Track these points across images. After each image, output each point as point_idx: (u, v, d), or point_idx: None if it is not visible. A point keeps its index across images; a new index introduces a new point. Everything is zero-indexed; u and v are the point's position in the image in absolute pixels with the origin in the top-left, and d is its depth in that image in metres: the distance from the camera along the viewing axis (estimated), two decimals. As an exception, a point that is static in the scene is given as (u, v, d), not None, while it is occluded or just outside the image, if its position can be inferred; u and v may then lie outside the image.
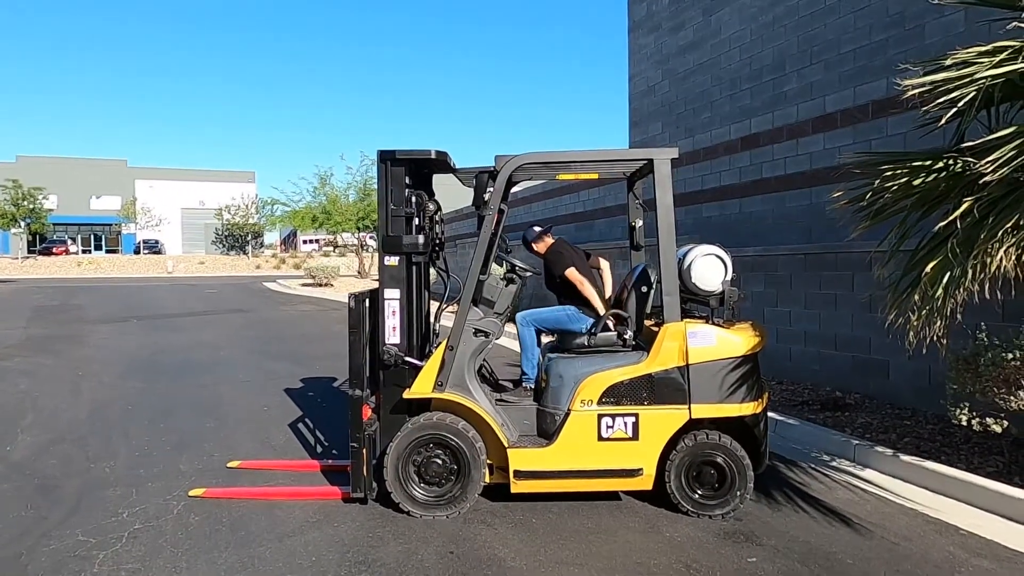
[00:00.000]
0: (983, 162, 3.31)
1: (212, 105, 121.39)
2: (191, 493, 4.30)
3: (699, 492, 3.95)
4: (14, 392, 7.40)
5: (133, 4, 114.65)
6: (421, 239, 4.15)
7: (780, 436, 5.46)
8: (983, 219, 3.45)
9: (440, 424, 3.97)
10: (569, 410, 3.97)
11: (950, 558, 3.45)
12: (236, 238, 57.10)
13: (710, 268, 4.12)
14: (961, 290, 3.60)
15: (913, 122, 4.37)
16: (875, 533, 3.74)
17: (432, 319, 4.76)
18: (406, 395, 4.06)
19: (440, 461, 3.97)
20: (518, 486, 3.98)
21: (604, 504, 4.13)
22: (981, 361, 4.11)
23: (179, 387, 7.63)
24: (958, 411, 4.21)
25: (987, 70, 3.34)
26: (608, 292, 4.76)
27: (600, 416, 3.93)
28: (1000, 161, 3.25)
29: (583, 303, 4.39)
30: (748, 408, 3.93)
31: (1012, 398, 4.01)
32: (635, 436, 3.92)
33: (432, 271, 4.80)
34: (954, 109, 3.48)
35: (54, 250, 48.89)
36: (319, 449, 5.32)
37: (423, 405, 4.10)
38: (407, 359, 4.16)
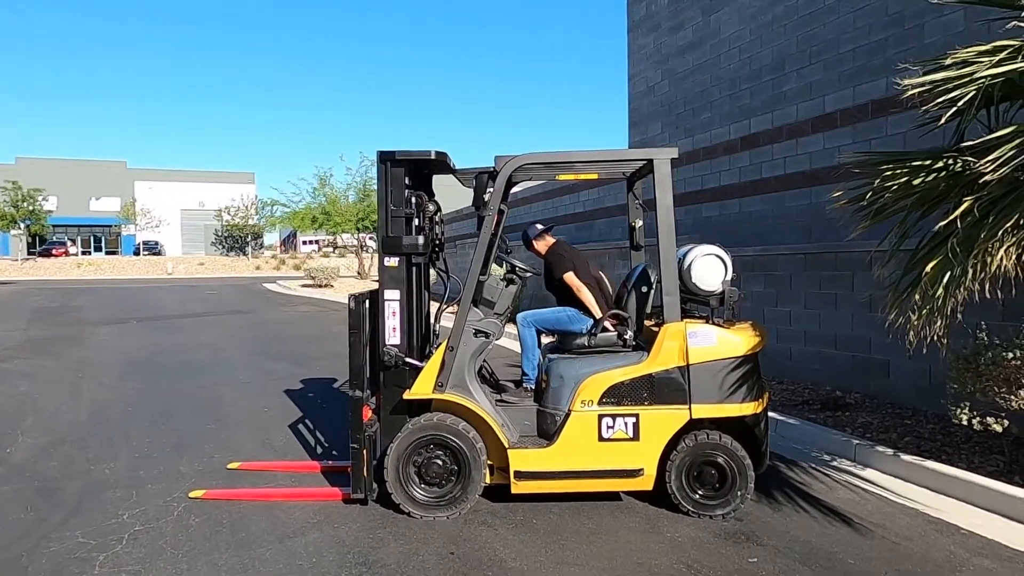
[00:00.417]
0: (983, 161, 3.31)
1: (212, 106, 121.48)
2: (191, 494, 4.29)
3: (700, 492, 3.95)
4: (14, 394, 7.40)
5: (133, 4, 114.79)
6: (421, 240, 4.15)
7: (781, 436, 5.46)
8: (983, 218, 3.45)
9: (440, 425, 3.97)
10: (570, 410, 3.97)
11: (951, 557, 3.45)
12: (236, 239, 57.11)
13: (710, 268, 4.11)
14: (961, 289, 3.60)
15: (913, 121, 4.37)
16: (876, 533, 3.74)
17: (432, 320, 4.76)
18: (406, 396, 4.06)
19: (440, 462, 3.96)
20: (519, 487, 3.97)
21: (605, 504, 4.12)
22: (981, 360, 4.11)
23: (179, 388, 7.63)
24: (959, 410, 4.21)
25: (987, 69, 3.34)
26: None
27: (601, 416, 3.93)
28: (1000, 160, 3.25)
29: (582, 305, 4.39)
30: (749, 408, 3.93)
31: (1012, 397, 4.01)
32: (636, 436, 3.92)
33: (432, 272, 4.80)
34: (954, 108, 3.47)
35: (54, 252, 48.85)
36: (319, 450, 5.31)
37: (423, 406, 4.10)
38: (407, 360, 4.16)
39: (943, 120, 3.60)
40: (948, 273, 3.58)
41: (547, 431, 4.07)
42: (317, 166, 67.35)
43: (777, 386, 6.98)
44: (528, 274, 4.50)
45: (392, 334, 4.18)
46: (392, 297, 4.18)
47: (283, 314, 16.15)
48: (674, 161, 4.06)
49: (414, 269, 4.26)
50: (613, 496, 4.21)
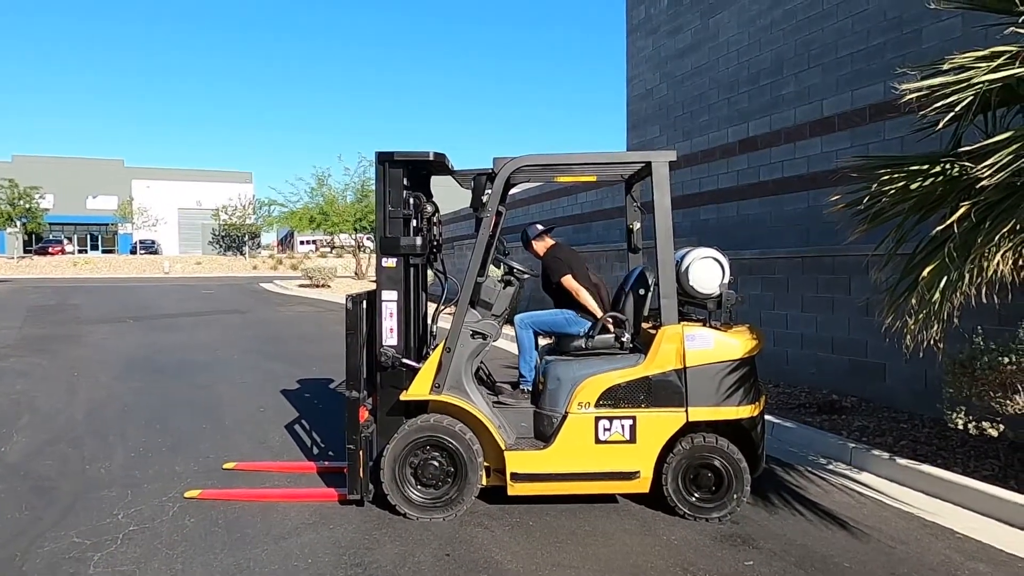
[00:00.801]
0: (980, 166, 3.32)
1: (209, 105, 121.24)
2: (187, 494, 4.29)
3: (696, 495, 3.95)
4: (10, 392, 7.38)
5: (132, 4, 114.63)
6: (419, 240, 4.15)
7: (777, 439, 5.46)
8: (980, 223, 3.46)
9: (437, 426, 3.96)
10: (566, 412, 3.97)
11: (946, 561, 3.46)
12: (233, 239, 57.05)
13: (708, 271, 4.12)
14: (958, 294, 3.61)
15: (910, 126, 4.37)
16: (872, 536, 3.75)
17: (429, 321, 4.76)
18: (403, 397, 4.05)
19: (437, 463, 3.96)
20: (515, 488, 3.97)
21: (601, 507, 4.13)
22: (977, 365, 4.12)
23: (175, 388, 7.61)
24: (954, 415, 4.22)
25: (984, 75, 3.35)
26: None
27: (597, 419, 3.93)
28: (997, 165, 3.25)
29: (579, 308, 4.39)
30: (745, 411, 3.94)
31: (1008, 402, 4.02)
32: (632, 439, 3.92)
33: (430, 273, 4.80)
34: (951, 113, 3.49)
35: (50, 250, 48.75)
36: (315, 451, 5.31)
37: (420, 407, 4.10)
38: (404, 361, 4.15)
39: (941, 125, 3.61)
40: (945, 277, 3.59)
41: (544, 433, 4.06)
42: (315, 166, 67.29)
43: (774, 389, 6.99)
44: (526, 276, 4.49)
45: (389, 335, 4.17)
46: (389, 298, 4.17)
47: (280, 314, 16.13)
48: (672, 164, 4.07)
49: (412, 270, 4.26)
50: (609, 498, 4.22)
